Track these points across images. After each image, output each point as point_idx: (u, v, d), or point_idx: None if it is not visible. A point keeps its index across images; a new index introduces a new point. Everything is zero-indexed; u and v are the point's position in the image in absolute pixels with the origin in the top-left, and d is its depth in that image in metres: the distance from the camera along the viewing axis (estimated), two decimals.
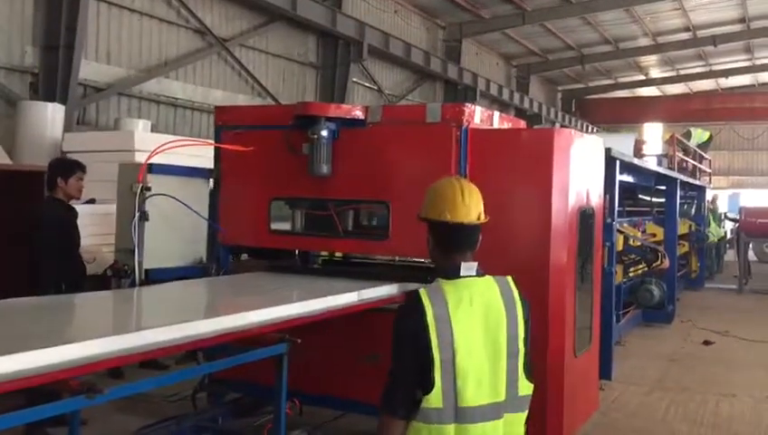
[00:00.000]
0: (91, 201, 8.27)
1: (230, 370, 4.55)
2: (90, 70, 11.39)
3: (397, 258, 5.73)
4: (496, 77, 25.56)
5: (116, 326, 3.84)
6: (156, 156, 5.25)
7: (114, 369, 5.78)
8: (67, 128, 10.18)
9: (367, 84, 18.87)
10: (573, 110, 33.73)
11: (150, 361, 5.71)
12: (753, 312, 13.21)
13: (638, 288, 10.50)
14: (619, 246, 8.80)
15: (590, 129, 30.69)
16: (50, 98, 10.37)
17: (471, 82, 22.70)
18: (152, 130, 11.08)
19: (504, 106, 24.65)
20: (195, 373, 5.35)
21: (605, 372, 7.31)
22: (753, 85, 34.63)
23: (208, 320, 3.56)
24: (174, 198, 5.48)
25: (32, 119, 9.89)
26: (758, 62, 30.49)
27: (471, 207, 2.87)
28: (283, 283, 5.11)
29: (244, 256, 6.14)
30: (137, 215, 5.27)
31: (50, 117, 9.96)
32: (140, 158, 5.65)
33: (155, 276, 5.54)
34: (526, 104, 27.15)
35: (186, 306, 4.37)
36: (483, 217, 2.91)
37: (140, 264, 5.35)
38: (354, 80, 17.75)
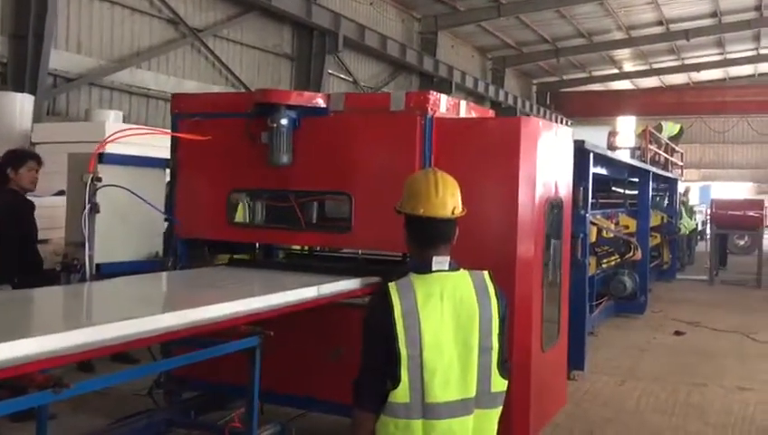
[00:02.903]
0: (61, 193, 8.17)
1: (189, 367, 4.40)
2: (60, 59, 11.25)
3: (360, 252, 5.62)
4: (472, 70, 25.61)
5: (80, 319, 3.75)
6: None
7: (85, 363, 5.71)
8: (36, 119, 10.07)
9: (342, 76, 18.82)
10: (548, 102, 33.90)
11: (121, 355, 5.66)
12: (723, 303, 13.33)
13: (610, 279, 10.57)
14: (593, 237, 8.84)
15: (564, 121, 30.82)
16: (19, 88, 10.25)
17: (446, 75, 22.73)
18: (124, 121, 10.93)
19: (479, 99, 24.72)
20: (165, 367, 5.24)
21: (578, 362, 7.35)
22: (724, 79, 35.09)
23: (172, 313, 3.46)
24: (126, 188, 5.29)
25: (0, 109, 9.75)
26: (729, 57, 30.86)
27: (446, 200, 2.84)
28: (243, 277, 4.91)
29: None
30: (87, 207, 5.12)
31: (19, 107, 9.85)
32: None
33: (107, 271, 5.39)
34: (501, 97, 27.27)
35: (147, 300, 4.23)
36: (459, 210, 2.88)
37: (91, 258, 5.22)
38: (330, 71, 17.71)
